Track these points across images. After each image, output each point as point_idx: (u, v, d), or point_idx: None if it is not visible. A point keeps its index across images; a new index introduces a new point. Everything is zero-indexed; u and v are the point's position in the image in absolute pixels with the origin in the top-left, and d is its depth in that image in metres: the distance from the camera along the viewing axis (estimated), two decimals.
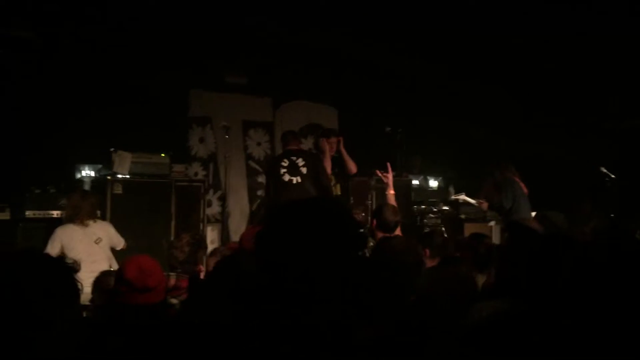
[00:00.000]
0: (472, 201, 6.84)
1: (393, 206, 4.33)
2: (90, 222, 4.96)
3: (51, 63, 6.19)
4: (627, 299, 1.43)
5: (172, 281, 3.06)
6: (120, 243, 5.17)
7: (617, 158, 7.14)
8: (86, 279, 4.25)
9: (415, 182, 7.93)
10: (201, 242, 3.42)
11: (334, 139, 6.34)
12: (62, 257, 1.57)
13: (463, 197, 6.94)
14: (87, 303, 3.23)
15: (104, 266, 4.75)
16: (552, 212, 4.29)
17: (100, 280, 3.13)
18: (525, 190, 6.53)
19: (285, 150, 5.90)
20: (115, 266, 5.02)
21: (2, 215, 5.75)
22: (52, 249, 4.77)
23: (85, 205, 4.99)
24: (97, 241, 4.96)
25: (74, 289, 1.52)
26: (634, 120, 7.78)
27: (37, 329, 1.41)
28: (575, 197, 7.20)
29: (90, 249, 4.91)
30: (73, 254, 4.79)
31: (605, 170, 6.87)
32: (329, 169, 6.02)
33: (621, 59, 6.86)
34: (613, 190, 6.73)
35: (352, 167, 6.37)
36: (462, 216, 7.50)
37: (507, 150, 7.10)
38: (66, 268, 1.54)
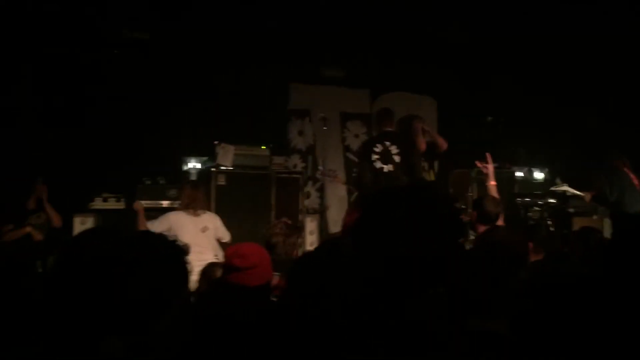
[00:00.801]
0: (576, 192, 6.47)
1: (494, 197, 4.17)
2: (201, 212, 5.19)
3: (160, 59, 6.52)
4: None
5: (276, 280, 3.12)
6: (226, 236, 5.34)
7: None
8: (193, 265, 4.47)
9: (519, 173, 7.61)
10: (295, 228, 3.46)
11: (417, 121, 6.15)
12: (175, 239, 1.63)
13: (565, 187, 6.57)
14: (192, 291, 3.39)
15: (209, 255, 4.97)
16: None
17: (207, 271, 3.27)
18: (636, 182, 6.07)
19: (380, 132, 5.60)
20: (221, 256, 5.23)
21: (118, 205, 6.17)
22: (158, 226, 4.98)
23: (199, 196, 5.27)
24: (204, 230, 5.19)
25: (186, 271, 1.58)
26: None
27: (152, 309, 1.45)
28: None
29: (197, 238, 5.12)
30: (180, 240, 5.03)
31: None
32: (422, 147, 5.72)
33: None
34: None
35: (442, 142, 5.89)
36: (571, 210, 7.10)
37: (621, 140, 6.62)
38: (179, 250, 1.60)
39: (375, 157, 5.37)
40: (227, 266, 2.46)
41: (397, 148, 5.38)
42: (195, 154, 6.71)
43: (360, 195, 6.13)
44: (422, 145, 5.73)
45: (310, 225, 7.15)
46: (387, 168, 5.33)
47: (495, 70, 7.86)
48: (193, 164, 6.68)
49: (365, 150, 5.59)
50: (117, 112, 6.32)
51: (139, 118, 6.44)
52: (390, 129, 5.54)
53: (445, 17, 6.74)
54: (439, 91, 8.44)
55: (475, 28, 6.93)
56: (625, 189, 5.98)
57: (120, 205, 6.17)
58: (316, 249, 2.35)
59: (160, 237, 1.56)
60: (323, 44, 7.41)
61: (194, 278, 3.48)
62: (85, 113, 6.20)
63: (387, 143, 5.40)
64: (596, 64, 7.21)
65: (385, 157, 5.35)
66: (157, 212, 6.00)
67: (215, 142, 6.50)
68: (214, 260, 4.78)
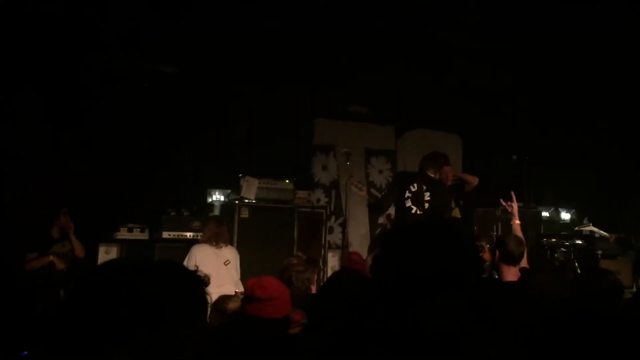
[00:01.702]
0: (602, 233, 6.35)
1: (516, 236, 4.10)
2: (223, 246, 5.24)
3: (187, 90, 6.65)
4: None
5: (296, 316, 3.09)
6: (238, 273, 5.37)
7: None
8: (213, 298, 4.48)
9: (545, 213, 7.51)
10: (310, 263, 3.43)
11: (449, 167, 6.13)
12: (196, 269, 1.64)
13: (590, 227, 6.45)
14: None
15: (228, 289, 4.98)
16: None
17: (218, 302, 3.26)
18: None
19: (422, 173, 5.46)
20: (241, 289, 5.23)
21: (142, 236, 6.23)
22: (189, 264, 5.06)
23: (223, 231, 5.35)
24: (226, 263, 5.23)
25: (204, 301, 1.58)
26: None
27: (169, 335, 1.45)
28: None
29: (219, 270, 5.17)
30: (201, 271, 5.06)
31: None
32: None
33: None
34: None
35: (472, 179, 5.73)
36: (598, 252, 6.95)
37: None
38: (199, 280, 1.61)
39: (407, 195, 5.31)
40: (247, 297, 2.46)
41: (430, 194, 5.30)
42: (220, 186, 6.78)
43: (380, 232, 6.10)
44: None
45: (332, 260, 7.12)
46: (416, 210, 5.27)
47: (522, 109, 7.84)
48: (217, 196, 6.74)
49: (400, 184, 5.49)
50: (143, 143, 6.43)
51: (165, 149, 6.54)
52: (431, 175, 5.41)
53: (472, 55, 6.79)
54: (463, 128, 8.43)
55: (501, 65, 6.95)
56: None
57: (145, 236, 6.23)
58: (325, 284, 2.34)
59: (181, 267, 1.57)
60: (349, 80, 7.50)
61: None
62: (112, 143, 6.32)
63: (423, 187, 5.31)
64: (623, 106, 7.16)
65: (417, 200, 5.29)
66: (180, 243, 6.06)
67: (240, 175, 6.56)
68: (232, 292, 4.80)
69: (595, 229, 6.43)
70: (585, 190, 7.81)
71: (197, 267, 4.25)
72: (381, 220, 7.80)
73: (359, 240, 7.79)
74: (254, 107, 6.96)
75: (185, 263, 5.08)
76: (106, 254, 5.98)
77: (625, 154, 7.42)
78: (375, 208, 5.98)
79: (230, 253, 5.35)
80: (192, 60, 6.52)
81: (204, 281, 1.56)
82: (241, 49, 6.36)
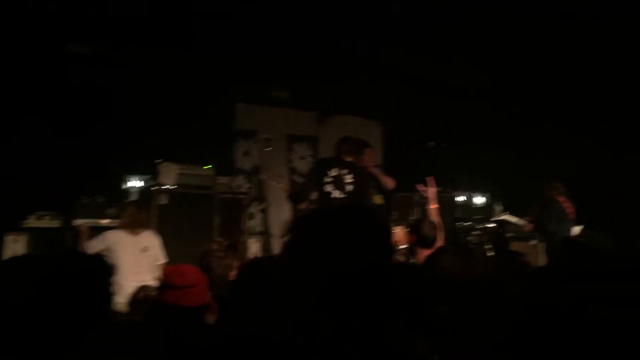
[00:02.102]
0: (517, 221, 6.67)
1: (431, 221, 4.24)
2: (140, 231, 5.08)
3: (103, 72, 6.39)
4: None
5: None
6: (161, 258, 5.21)
7: None
8: (130, 287, 4.35)
9: (460, 198, 7.79)
10: (230, 249, 3.38)
11: (370, 151, 6.31)
12: (101, 257, 1.58)
13: (507, 216, 6.76)
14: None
15: (147, 277, 4.82)
16: (593, 232, 4.14)
17: (137, 294, 3.18)
18: (569, 210, 6.32)
19: (339, 158, 5.51)
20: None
21: (53, 224, 5.94)
22: (96, 246, 4.91)
23: (142, 217, 5.19)
24: (144, 249, 5.08)
25: (108, 292, 1.53)
26: None
27: (73, 331, 1.41)
28: (630, 216, 6.93)
29: (136, 258, 5.01)
30: (118, 261, 4.91)
31: None
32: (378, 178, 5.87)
33: None
34: None
35: (388, 182, 6.21)
36: (508, 234, 7.31)
37: (557, 167, 6.87)
38: (105, 270, 1.56)
39: (327, 180, 5.31)
40: (164, 285, 2.40)
41: (352, 178, 5.33)
42: (137, 172, 6.56)
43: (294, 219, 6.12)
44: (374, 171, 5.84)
45: (254, 246, 7.09)
46: (337, 194, 5.29)
47: (440, 96, 8.06)
48: (134, 182, 6.53)
49: (319, 171, 5.51)
50: (54, 127, 6.12)
51: (78, 133, 6.27)
52: (348, 159, 5.46)
53: (392, 43, 6.89)
54: (384, 115, 8.59)
55: (421, 53, 7.11)
56: (560, 218, 6.21)
57: (56, 224, 5.95)
58: (240, 272, 2.32)
59: (85, 257, 1.51)
60: (271, 65, 7.44)
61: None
62: (21, 127, 5.97)
63: (344, 171, 5.34)
64: (536, 93, 7.50)
65: (338, 183, 5.30)
66: (96, 231, 5.82)
67: (158, 160, 6.39)
68: (152, 282, 4.68)
69: (512, 218, 6.72)
70: (498, 175, 8.18)
71: (108, 253, 4.14)
72: (304, 206, 7.82)
73: (282, 225, 7.80)
74: (174, 90, 6.78)
75: (93, 243, 4.94)
76: (14, 242, 5.68)
77: (538, 140, 7.80)
78: (294, 199, 5.98)
79: (148, 239, 5.17)
80: (109, 38, 6.24)
81: (108, 270, 1.51)
82: (164, 31, 6.16)
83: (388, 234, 1.47)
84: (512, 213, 6.84)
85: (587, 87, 7.10)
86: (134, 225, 5.06)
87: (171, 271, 2.45)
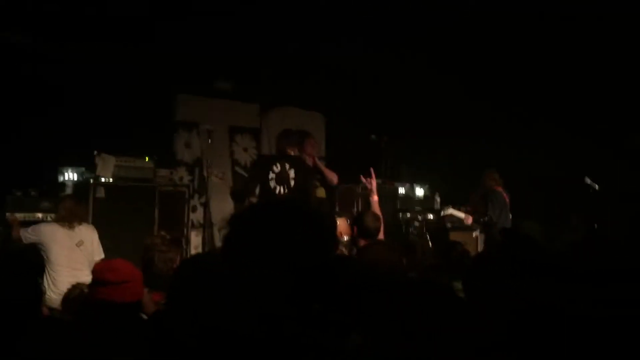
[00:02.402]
0: (460, 215, 6.84)
1: (374, 212, 4.29)
2: (76, 225, 4.94)
3: (36, 59, 6.13)
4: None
5: (156, 297, 2.98)
6: (99, 253, 5.09)
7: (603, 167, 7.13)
8: (65, 283, 4.22)
9: (401, 190, 7.92)
10: (173, 242, 3.33)
11: (312, 140, 6.34)
12: (29, 253, 1.53)
13: (450, 211, 6.92)
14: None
15: (84, 272, 4.71)
16: (528, 222, 4.29)
17: (69, 291, 3.08)
18: (507, 200, 6.54)
19: (282, 152, 5.47)
20: None
21: None
22: (28, 237, 4.81)
23: (79, 212, 5.06)
24: (79, 244, 4.94)
25: (38, 291, 1.48)
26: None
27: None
28: (560, 208, 7.23)
29: (72, 252, 4.87)
30: (52, 255, 4.76)
31: (589, 181, 6.89)
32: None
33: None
34: (597, 201, 6.75)
35: (333, 177, 6.24)
36: (448, 225, 7.49)
37: (493, 159, 7.09)
38: (32, 267, 1.50)
39: (271, 175, 5.27)
40: (96, 281, 2.33)
41: (295, 173, 5.32)
42: (72, 164, 6.32)
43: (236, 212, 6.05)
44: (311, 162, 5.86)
45: (195, 240, 7.00)
46: (280, 189, 5.27)
47: (381, 89, 8.15)
48: (69, 175, 6.29)
49: (262, 167, 5.46)
50: None
51: (9, 125, 5.99)
52: (291, 153, 5.44)
53: (334, 35, 6.91)
54: (326, 107, 8.62)
55: (363, 46, 7.16)
56: (501, 208, 6.42)
57: None
58: (181, 266, 2.29)
59: (12, 255, 1.45)
60: (213, 56, 7.33)
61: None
62: None
63: (286, 165, 5.32)
64: (478, 86, 7.70)
65: (282, 179, 5.28)
66: (29, 225, 5.59)
67: (95, 152, 6.19)
68: (88, 278, 4.55)
69: (456, 212, 6.88)
70: (437, 167, 8.36)
71: (42, 247, 4.01)
72: (247, 204, 7.76)
73: (224, 218, 7.72)
74: (112, 79, 6.57)
75: (23, 233, 4.81)
76: None
77: (475, 132, 8.01)
78: (237, 196, 5.92)
79: (85, 232, 5.02)
80: (44, 29, 6.00)
81: (36, 268, 1.45)
82: (103, 22, 5.97)
83: (331, 227, 1.48)
84: (454, 206, 7.00)
85: (525, 77, 7.36)
86: (70, 219, 4.91)
87: (103, 267, 2.38)
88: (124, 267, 2.34)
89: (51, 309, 3.60)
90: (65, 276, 4.66)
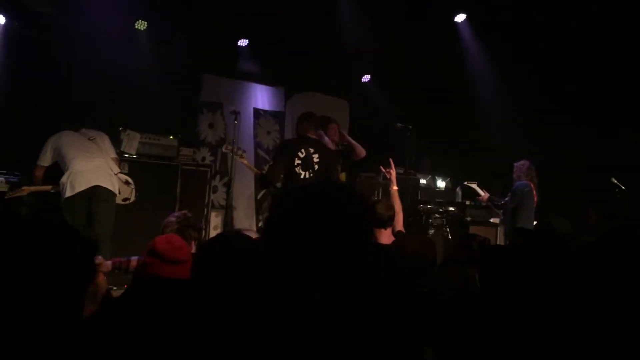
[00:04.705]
0: (478, 190, 6.76)
1: (386, 201, 4.25)
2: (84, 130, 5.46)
3: (68, 37, 6.18)
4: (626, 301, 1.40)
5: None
6: (112, 152, 5.55)
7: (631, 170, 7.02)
8: (85, 171, 5.05)
9: (423, 181, 7.87)
10: (190, 221, 3.26)
11: (335, 125, 6.35)
12: (81, 233, 1.53)
13: (475, 185, 6.85)
14: None
15: (100, 161, 5.28)
16: (558, 219, 4.23)
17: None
18: (534, 196, 6.43)
19: (304, 137, 5.36)
20: (115, 169, 5.46)
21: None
22: (45, 159, 5.24)
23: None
24: (91, 138, 5.39)
25: (93, 266, 1.49)
26: None
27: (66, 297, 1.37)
28: (582, 206, 7.14)
29: (84, 145, 5.31)
30: (68, 154, 5.19)
31: (615, 182, 6.80)
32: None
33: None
34: (623, 202, 6.64)
35: (360, 150, 6.40)
36: (468, 218, 7.44)
37: (518, 156, 6.99)
38: (90, 245, 1.51)
39: (297, 161, 5.20)
40: (163, 258, 2.20)
41: (319, 156, 5.26)
42: None
43: (273, 196, 6.07)
44: (333, 145, 5.86)
45: (215, 220, 7.04)
46: (306, 174, 5.23)
47: (408, 80, 8.09)
48: None
49: (287, 153, 5.35)
50: (19, 86, 5.93)
51: (39, 96, 6.07)
52: (313, 136, 5.39)
53: (363, 22, 6.87)
54: (352, 94, 8.57)
55: (389, 37, 7.10)
56: (524, 202, 6.33)
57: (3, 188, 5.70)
58: (209, 242, 2.26)
59: (74, 231, 1.45)
60: (240, 37, 7.32)
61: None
62: None
63: (311, 150, 5.25)
64: (492, 81, 7.60)
65: (307, 165, 5.23)
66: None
67: (120, 128, 6.24)
68: (107, 164, 5.33)
69: (476, 187, 6.82)
70: (459, 160, 8.29)
71: (58, 157, 4.35)
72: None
73: (245, 201, 7.75)
74: (139, 58, 6.60)
75: (41, 157, 5.25)
76: None
77: (496, 127, 7.92)
78: (263, 182, 5.89)
79: (94, 133, 5.48)
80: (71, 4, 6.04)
81: (94, 247, 1.47)
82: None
83: (363, 212, 1.47)
84: (479, 184, 6.93)
85: (556, 73, 7.25)
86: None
87: (166, 244, 2.25)
88: (184, 244, 2.29)
89: None
90: (83, 163, 5.15)
